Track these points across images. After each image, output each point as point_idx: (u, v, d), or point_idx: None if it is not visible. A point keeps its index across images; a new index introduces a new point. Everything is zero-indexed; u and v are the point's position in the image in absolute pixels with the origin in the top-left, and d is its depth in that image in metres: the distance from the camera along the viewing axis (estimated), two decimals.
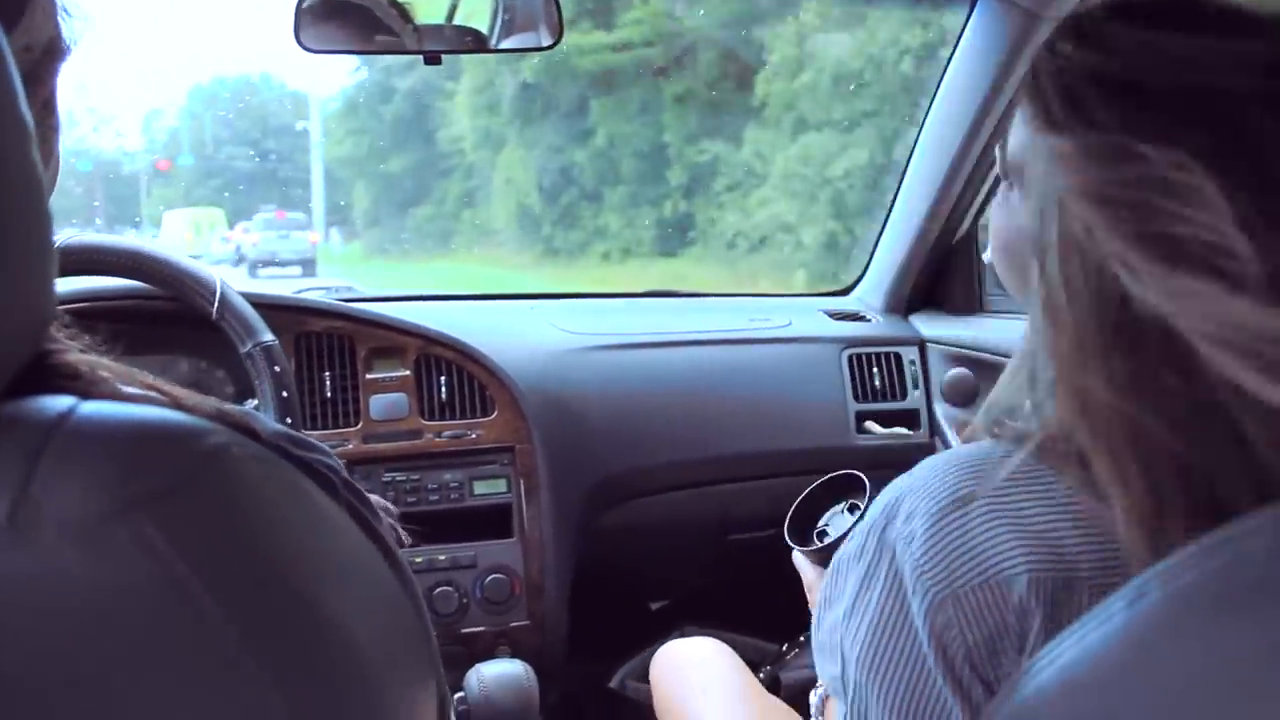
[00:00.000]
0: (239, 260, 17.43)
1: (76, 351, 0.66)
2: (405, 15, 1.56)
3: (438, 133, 19.53)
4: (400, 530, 0.91)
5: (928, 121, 2.00)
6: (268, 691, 0.46)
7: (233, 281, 1.58)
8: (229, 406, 0.71)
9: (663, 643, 1.46)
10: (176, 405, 0.67)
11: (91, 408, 0.48)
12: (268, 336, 1.52)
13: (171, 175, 21.73)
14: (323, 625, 0.51)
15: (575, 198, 16.60)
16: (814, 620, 0.85)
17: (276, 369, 1.50)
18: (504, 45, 1.63)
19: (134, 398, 0.64)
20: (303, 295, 1.83)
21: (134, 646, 0.44)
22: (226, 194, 19.93)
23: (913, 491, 0.76)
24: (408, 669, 0.59)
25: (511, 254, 17.43)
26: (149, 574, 0.43)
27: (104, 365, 0.66)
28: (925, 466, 0.77)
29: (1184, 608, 0.50)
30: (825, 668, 0.83)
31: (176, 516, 0.45)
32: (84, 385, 0.62)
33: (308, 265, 17.27)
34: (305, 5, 1.48)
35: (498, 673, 1.35)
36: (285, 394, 1.50)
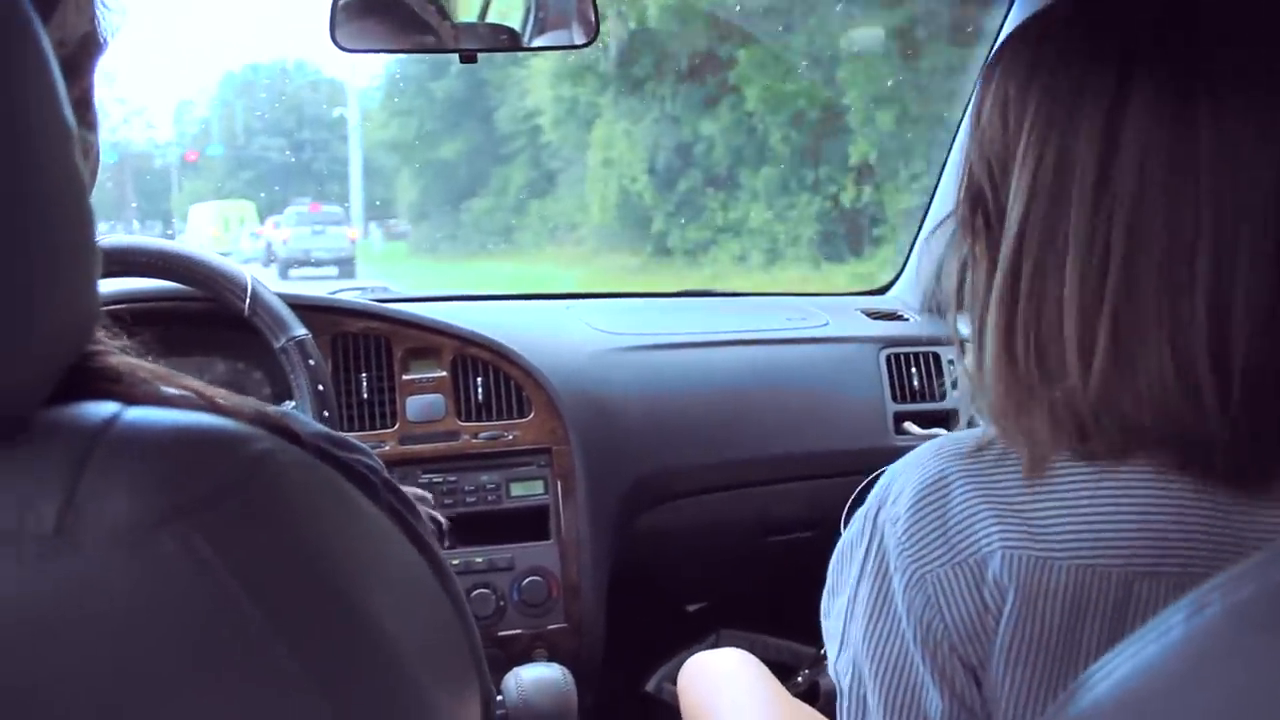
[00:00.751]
0: (269, 260, 16.40)
1: (118, 353, 0.65)
2: (443, 12, 1.56)
3: (497, 112, 17.47)
4: (440, 519, 0.90)
5: (966, 115, 1.98)
6: (315, 699, 0.46)
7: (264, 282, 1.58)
8: (268, 407, 0.71)
9: (696, 649, 1.45)
10: (215, 407, 0.66)
11: (136, 414, 0.48)
12: (300, 330, 1.52)
13: (201, 167, 20.69)
14: (369, 630, 0.50)
15: (697, 183, 13.37)
16: (823, 607, 0.86)
17: (311, 362, 1.50)
18: (537, 43, 1.63)
19: (174, 400, 0.64)
20: (338, 295, 1.82)
21: (181, 656, 0.44)
22: (259, 188, 18.86)
23: (902, 473, 0.78)
24: (451, 670, 0.59)
25: (601, 253, 14.96)
26: (196, 583, 0.44)
27: (144, 368, 0.65)
28: (919, 449, 0.79)
29: (1244, 622, 0.48)
30: (833, 654, 0.83)
31: (223, 525, 0.45)
32: (125, 389, 0.62)
33: (345, 265, 16.17)
34: (342, 2, 1.47)
35: (536, 676, 1.34)
36: (321, 387, 1.50)
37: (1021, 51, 0.75)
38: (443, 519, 0.87)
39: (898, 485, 0.78)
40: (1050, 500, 0.71)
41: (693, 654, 1.45)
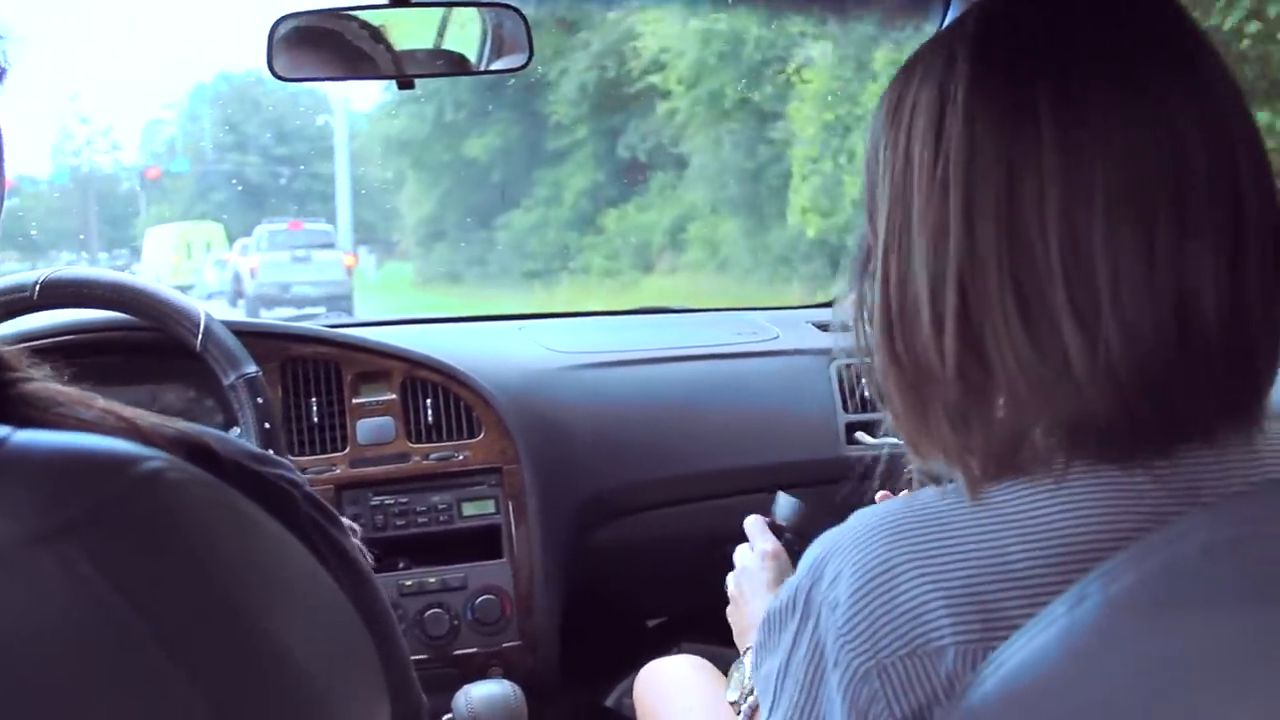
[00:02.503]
0: (237, 296, 13.47)
1: (40, 380, 0.66)
2: (378, 37, 1.57)
3: (546, 96, 13.68)
4: (366, 553, 0.92)
5: None
6: (204, 714, 0.46)
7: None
8: (190, 427, 0.72)
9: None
10: (133, 429, 0.67)
11: (25, 436, 0.48)
12: (251, 368, 1.53)
13: (168, 188, 18.05)
14: (262, 646, 0.50)
15: None
16: (753, 659, 0.82)
17: (259, 400, 1.51)
18: (487, 67, 1.64)
19: (89, 423, 0.65)
20: (289, 322, 1.84)
21: (63, 672, 0.43)
22: (233, 210, 16.05)
23: (840, 551, 0.72)
24: (355, 691, 0.59)
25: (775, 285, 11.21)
26: (78, 602, 0.43)
27: (65, 393, 0.66)
28: (856, 520, 0.74)
29: (1122, 610, 0.50)
30: (765, 711, 0.79)
31: (104, 542, 0.45)
32: (39, 414, 0.63)
33: (338, 304, 12.62)
34: (280, 35, 1.49)
35: (485, 693, 1.35)
36: (268, 425, 1.51)
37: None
38: (368, 553, 0.87)
39: (834, 566, 0.72)
40: (996, 572, 0.66)
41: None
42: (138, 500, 0.48)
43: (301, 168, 17.68)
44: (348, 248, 15.21)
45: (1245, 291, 0.67)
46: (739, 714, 1.08)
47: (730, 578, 1.24)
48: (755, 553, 1.20)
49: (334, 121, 16.94)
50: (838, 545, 0.73)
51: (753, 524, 1.25)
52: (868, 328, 0.78)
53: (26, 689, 0.43)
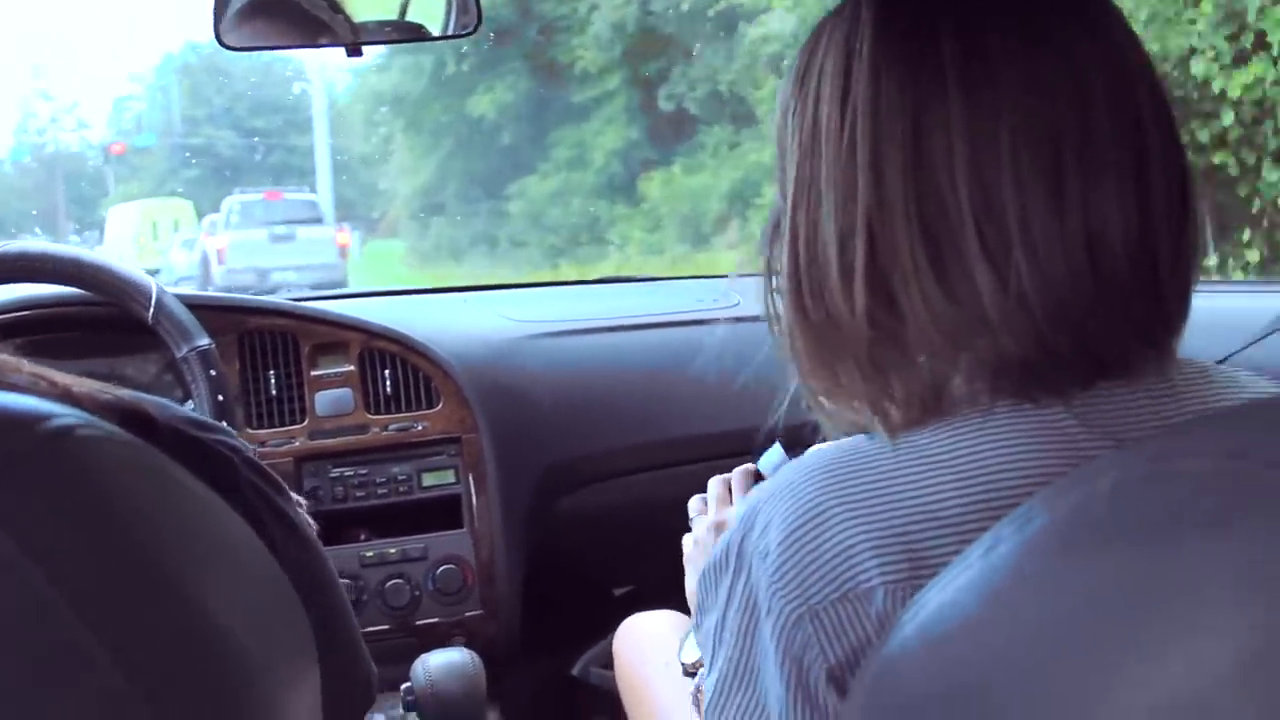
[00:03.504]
0: (205, 282, 11.29)
1: None
2: (335, 6, 1.55)
3: (568, 40, 11.73)
4: (311, 522, 0.92)
5: None
6: (110, 670, 0.45)
7: None
8: (128, 393, 0.71)
9: None
10: (65, 393, 0.67)
11: None
12: (203, 341, 1.52)
13: (137, 166, 16.80)
14: (175, 605, 0.50)
15: None
16: (694, 620, 0.83)
17: (212, 373, 1.51)
18: (439, 33, 1.63)
19: (18, 388, 0.64)
20: (247, 296, 1.83)
21: None
22: (204, 187, 14.41)
23: (770, 500, 0.73)
24: (279, 655, 0.59)
25: None
26: None
27: None
28: (785, 472, 0.74)
29: (1034, 552, 0.50)
30: (706, 672, 0.79)
31: (8, 498, 0.45)
32: None
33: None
34: (233, 4, 1.47)
35: (443, 661, 1.36)
36: (221, 398, 1.50)
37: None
38: (313, 522, 0.87)
39: (765, 515, 0.72)
40: (922, 514, 0.67)
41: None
42: (45, 457, 0.47)
43: (277, 140, 16.20)
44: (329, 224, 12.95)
45: (1152, 228, 0.69)
46: (691, 679, 1.07)
47: (686, 540, 1.23)
48: (707, 523, 1.18)
49: (311, 90, 15.17)
50: (768, 495, 0.73)
51: (713, 487, 1.23)
52: (775, 295, 0.79)
53: None
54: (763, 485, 0.76)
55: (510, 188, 12.77)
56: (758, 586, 0.70)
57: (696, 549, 1.17)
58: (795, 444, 1.20)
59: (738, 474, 1.22)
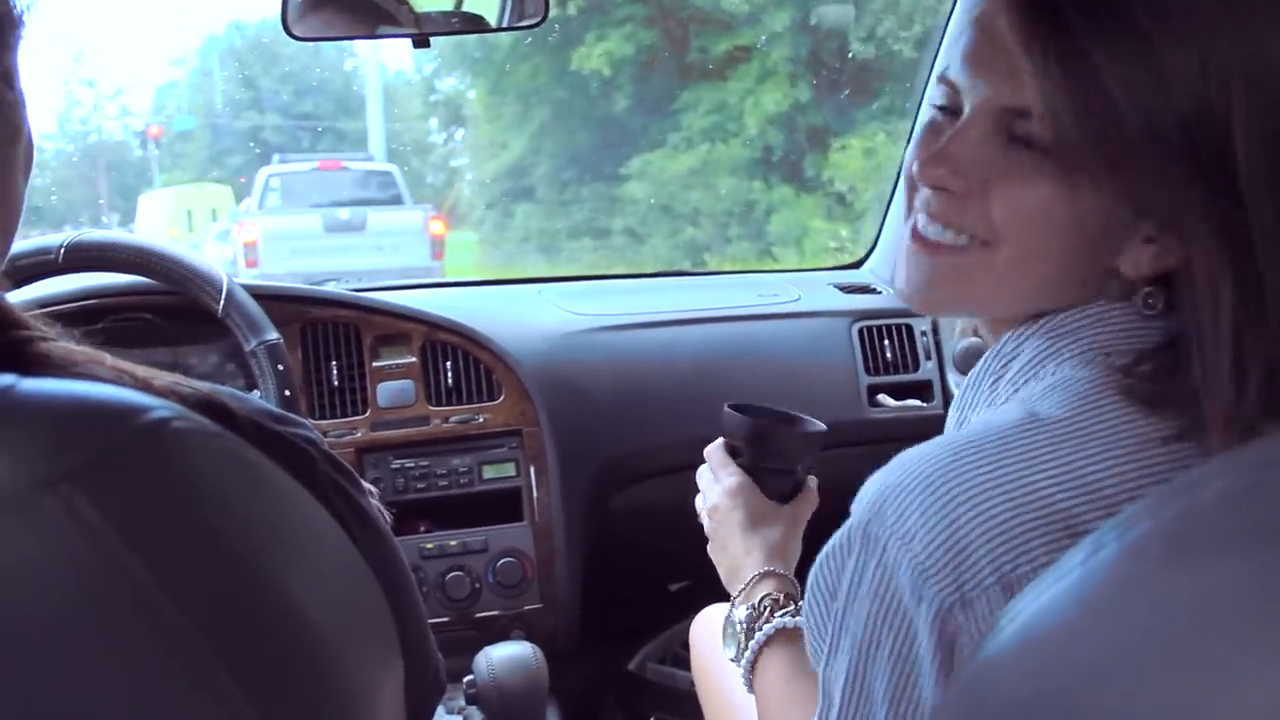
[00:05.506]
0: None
1: (55, 339, 0.66)
2: None
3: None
4: (385, 512, 0.92)
5: (929, 85, 1.98)
6: (209, 661, 0.45)
7: None
8: (207, 386, 0.72)
9: (680, 628, 1.45)
10: (147, 386, 0.67)
11: (31, 384, 0.48)
12: (272, 335, 1.53)
13: (178, 151, 15.55)
14: (270, 597, 0.50)
15: None
16: (806, 606, 0.80)
17: (280, 368, 1.51)
18: (504, 25, 1.63)
19: (99, 378, 0.65)
20: (309, 286, 1.83)
21: (65, 616, 0.43)
22: (245, 174, 11.99)
23: (901, 488, 0.71)
24: (366, 649, 0.59)
25: None
26: (80, 545, 0.43)
27: (82, 352, 0.66)
28: (909, 457, 0.73)
29: (1136, 559, 0.49)
30: (813, 638, 0.79)
31: (108, 488, 0.44)
32: (54, 371, 0.63)
33: None
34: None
35: (506, 655, 1.35)
36: (288, 393, 1.51)
37: None
38: (386, 513, 0.88)
39: (898, 501, 0.71)
40: (1080, 489, 0.67)
41: (678, 629, 1.44)
42: (142, 448, 0.47)
43: (328, 123, 14.36)
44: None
45: None
46: (740, 670, 1.05)
47: (701, 510, 1.20)
48: (720, 488, 1.14)
49: (364, 68, 13.08)
50: (897, 483, 0.72)
51: (713, 454, 1.20)
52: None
53: (34, 633, 0.43)
54: (881, 474, 0.74)
55: (628, 165, 9.76)
56: (898, 571, 0.69)
57: (717, 516, 1.15)
58: (745, 410, 1.18)
59: (711, 449, 1.19)
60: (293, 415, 0.80)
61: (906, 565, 0.68)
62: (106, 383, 0.65)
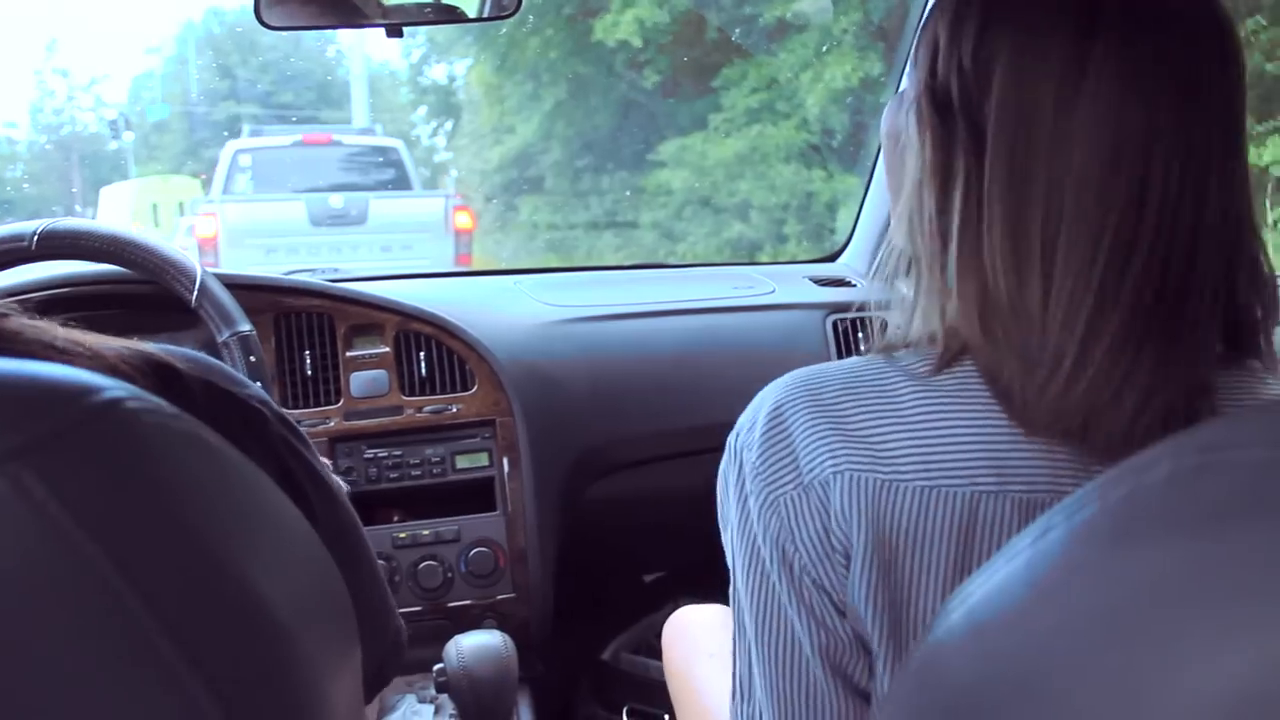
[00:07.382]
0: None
1: (16, 316, 0.67)
2: None
3: None
4: (341, 480, 0.93)
5: (905, 78, 1.99)
6: (165, 644, 0.45)
7: None
8: (158, 347, 0.72)
9: (654, 618, 1.45)
10: (97, 356, 0.68)
11: None
12: (244, 326, 1.52)
13: (154, 143, 15.00)
14: (225, 578, 0.50)
15: None
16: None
17: (252, 359, 1.51)
18: (476, 15, 1.63)
19: (55, 351, 0.65)
20: (287, 276, 1.83)
21: (13, 596, 0.43)
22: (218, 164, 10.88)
23: (757, 401, 0.81)
24: (323, 629, 0.59)
25: None
26: (30, 524, 0.43)
27: (37, 327, 0.67)
28: (779, 379, 0.81)
29: (1084, 542, 0.50)
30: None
31: (58, 466, 0.44)
32: (7, 345, 0.63)
33: None
34: None
35: (475, 643, 1.35)
36: (259, 384, 1.51)
37: None
38: (344, 483, 0.88)
39: (750, 413, 0.81)
40: (894, 424, 0.73)
41: (653, 619, 1.45)
42: (93, 428, 0.47)
43: (309, 114, 13.59)
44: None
45: None
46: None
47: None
48: None
49: (349, 56, 12.27)
50: (759, 397, 0.81)
51: None
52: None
53: None
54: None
55: (656, 151, 8.44)
56: (746, 476, 0.78)
57: None
58: None
59: None
60: (242, 378, 0.80)
61: (749, 471, 0.78)
62: (58, 355, 0.65)
